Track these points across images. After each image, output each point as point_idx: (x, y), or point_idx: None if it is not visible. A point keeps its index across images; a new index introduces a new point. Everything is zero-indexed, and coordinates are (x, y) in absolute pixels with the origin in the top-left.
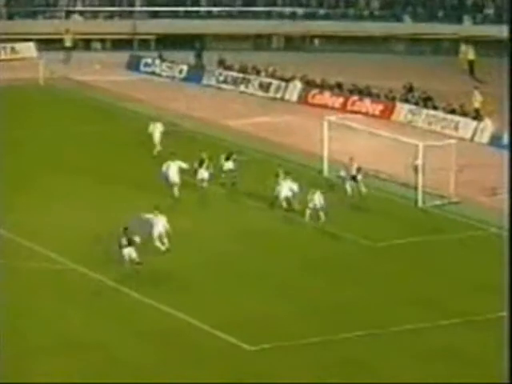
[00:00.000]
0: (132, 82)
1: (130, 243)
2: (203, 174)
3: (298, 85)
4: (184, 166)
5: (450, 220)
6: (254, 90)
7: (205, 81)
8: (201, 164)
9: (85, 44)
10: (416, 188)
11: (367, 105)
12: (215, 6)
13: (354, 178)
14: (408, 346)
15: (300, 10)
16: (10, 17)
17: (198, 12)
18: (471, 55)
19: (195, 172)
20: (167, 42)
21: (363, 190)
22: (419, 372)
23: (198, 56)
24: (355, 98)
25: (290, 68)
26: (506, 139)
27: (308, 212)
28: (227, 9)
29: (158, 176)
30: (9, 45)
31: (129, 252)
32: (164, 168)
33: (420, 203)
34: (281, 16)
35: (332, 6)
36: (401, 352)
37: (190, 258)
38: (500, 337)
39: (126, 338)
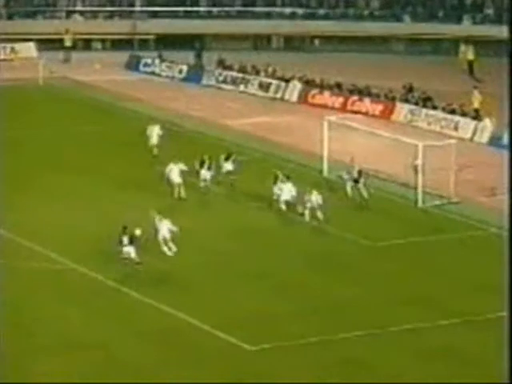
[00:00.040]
0: (132, 82)
1: (132, 242)
2: (205, 174)
3: (297, 85)
4: (185, 168)
5: (449, 220)
6: (254, 90)
7: (204, 81)
8: (202, 165)
9: (85, 44)
10: (416, 188)
11: (367, 105)
12: (215, 6)
13: (355, 181)
14: (408, 345)
15: (300, 10)
16: (10, 17)
17: (197, 12)
18: (471, 55)
19: (197, 173)
20: (167, 42)
21: (365, 194)
22: (419, 372)
23: (198, 56)
24: (355, 97)
25: (289, 68)
26: (505, 139)
27: (307, 212)
28: (227, 9)
29: (157, 176)
30: (9, 45)
31: (128, 251)
32: (167, 170)
33: (420, 203)
34: (280, 16)
35: (332, 6)
36: (400, 352)
37: (190, 257)
38: (500, 337)
39: (126, 338)
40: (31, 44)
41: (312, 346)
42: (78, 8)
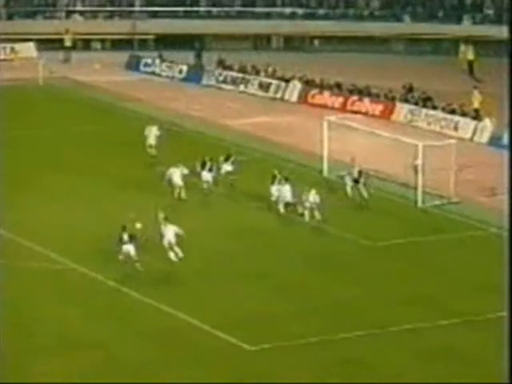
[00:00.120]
0: (132, 82)
1: (131, 240)
2: (206, 176)
3: (297, 85)
4: (186, 172)
5: (449, 220)
6: (254, 90)
7: (204, 81)
8: (203, 166)
9: (84, 44)
10: (416, 188)
11: (367, 105)
12: (215, 6)
13: (355, 181)
14: (408, 345)
15: (299, 11)
16: (10, 17)
17: (197, 12)
18: (471, 55)
19: (199, 175)
20: (167, 42)
21: (365, 194)
22: (419, 372)
23: (198, 56)
24: (355, 97)
25: (289, 68)
26: (505, 139)
27: (306, 212)
28: (227, 9)
29: (157, 176)
30: (9, 45)
31: (128, 249)
32: (168, 173)
33: (420, 203)
34: (280, 16)
35: (332, 6)
36: (400, 352)
37: (190, 257)
38: (500, 337)
39: (126, 338)
40: (31, 44)
41: (312, 345)
42: (78, 8)
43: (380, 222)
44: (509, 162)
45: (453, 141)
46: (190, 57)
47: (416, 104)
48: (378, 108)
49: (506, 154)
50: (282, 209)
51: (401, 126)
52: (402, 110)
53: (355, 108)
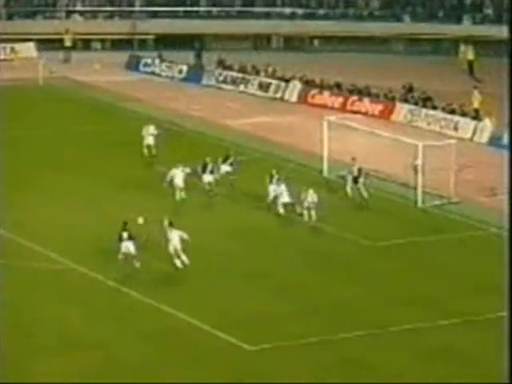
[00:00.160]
0: (131, 82)
1: (131, 237)
2: (208, 178)
3: (297, 85)
4: (188, 171)
5: (449, 220)
6: (254, 90)
7: (204, 81)
8: (204, 168)
9: (84, 44)
10: (416, 188)
11: (367, 105)
12: (215, 6)
13: (355, 180)
14: (408, 345)
15: (299, 11)
16: (10, 17)
17: (197, 12)
18: (471, 55)
19: (200, 178)
20: (167, 42)
21: (365, 194)
22: (419, 372)
23: (198, 56)
24: (355, 97)
25: (289, 68)
26: (505, 139)
27: (305, 212)
28: (227, 9)
29: (157, 176)
30: (9, 45)
31: (127, 246)
32: (170, 174)
33: (420, 203)
34: (280, 16)
35: (332, 6)
36: (400, 352)
37: (190, 257)
38: (500, 337)
39: (126, 338)
40: (31, 44)
41: (312, 345)
42: (78, 8)
43: (380, 221)
44: (509, 162)
45: (453, 141)
46: (190, 57)
47: (416, 104)
48: (377, 108)
49: (506, 154)
50: (281, 209)
51: (401, 126)
52: (401, 110)
53: (355, 108)
